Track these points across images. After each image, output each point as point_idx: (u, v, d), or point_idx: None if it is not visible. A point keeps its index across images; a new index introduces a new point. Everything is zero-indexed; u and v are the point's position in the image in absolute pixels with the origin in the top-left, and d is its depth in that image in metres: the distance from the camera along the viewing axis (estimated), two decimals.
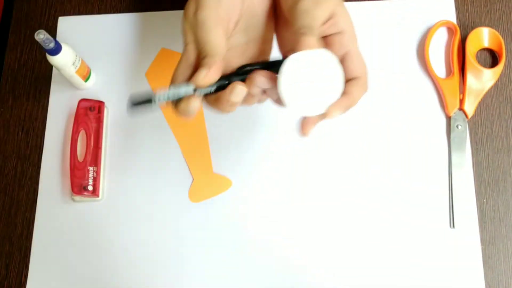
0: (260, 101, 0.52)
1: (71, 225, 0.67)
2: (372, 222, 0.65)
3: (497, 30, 0.69)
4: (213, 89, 0.49)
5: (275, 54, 0.54)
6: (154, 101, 0.48)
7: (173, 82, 0.50)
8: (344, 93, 0.48)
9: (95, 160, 0.67)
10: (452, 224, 0.64)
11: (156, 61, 0.71)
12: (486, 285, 0.62)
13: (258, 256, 0.65)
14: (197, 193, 0.66)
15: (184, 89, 0.49)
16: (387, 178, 0.66)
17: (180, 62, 0.50)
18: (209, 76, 0.48)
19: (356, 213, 0.65)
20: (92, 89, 0.72)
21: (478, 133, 0.67)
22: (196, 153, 0.68)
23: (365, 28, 0.66)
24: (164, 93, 0.48)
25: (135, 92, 0.49)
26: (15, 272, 0.66)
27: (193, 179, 0.67)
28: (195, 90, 0.49)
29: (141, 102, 0.48)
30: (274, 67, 0.49)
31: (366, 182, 0.66)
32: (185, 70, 0.50)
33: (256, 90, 0.49)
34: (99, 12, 0.75)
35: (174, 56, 0.70)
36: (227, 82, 0.49)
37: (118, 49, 0.73)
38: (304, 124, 0.50)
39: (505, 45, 0.68)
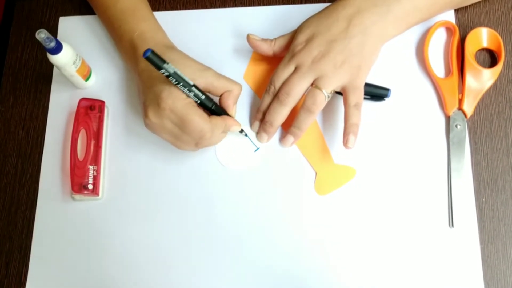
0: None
1: (71, 223, 0.67)
2: (371, 221, 0.65)
3: (496, 30, 0.69)
4: (203, 97, 0.62)
5: None
6: (162, 68, 0.58)
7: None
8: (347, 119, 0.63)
9: (96, 159, 0.67)
10: (451, 223, 0.64)
11: (250, 64, 0.72)
12: (485, 284, 0.62)
13: (268, 259, 0.65)
14: (322, 186, 0.66)
15: (186, 80, 0.60)
16: (386, 177, 0.66)
17: None
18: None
19: (355, 213, 0.65)
20: (92, 88, 0.72)
21: (477, 132, 0.67)
22: (314, 147, 0.67)
23: None
24: (173, 69, 0.59)
25: (156, 51, 0.58)
26: (15, 270, 0.67)
27: (316, 173, 0.67)
28: (192, 85, 0.61)
29: (154, 60, 0.58)
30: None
31: (365, 181, 0.66)
32: None
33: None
34: None
35: (266, 58, 0.71)
36: (210, 106, 0.63)
37: None
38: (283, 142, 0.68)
39: (504, 45, 0.69)
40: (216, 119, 0.63)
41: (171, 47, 0.67)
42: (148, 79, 0.63)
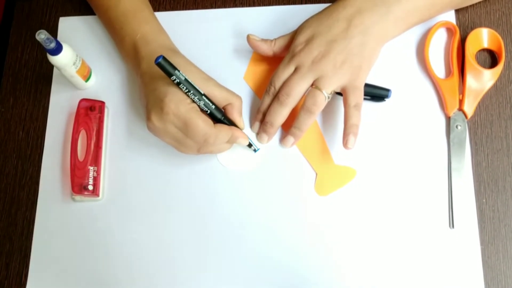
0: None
1: (71, 224, 0.67)
2: (371, 222, 0.65)
3: (496, 30, 0.69)
4: (213, 107, 0.62)
5: None
6: (172, 75, 0.58)
7: None
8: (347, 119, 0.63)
9: (96, 159, 0.67)
10: (452, 224, 0.64)
11: (251, 64, 0.72)
12: (485, 285, 0.62)
13: (264, 255, 0.65)
14: (323, 187, 0.66)
15: (197, 89, 0.61)
16: (386, 178, 0.66)
17: None
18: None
19: (356, 214, 0.65)
20: (92, 89, 0.72)
21: (477, 133, 0.67)
22: (314, 147, 0.67)
23: None
24: (183, 77, 0.59)
25: (168, 58, 0.59)
26: (15, 271, 0.67)
27: (316, 174, 0.67)
28: (202, 95, 0.61)
29: (165, 67, 0.58)
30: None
31: (365, 182, 0.66)
32: None
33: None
34: None
35: (267, 58, 0.71)
36: (220, 117, 0.63)
37: None
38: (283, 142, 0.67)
39: (504, 45, 0.68)
40: (222, 126, 0.62)
41: (175, 51, 0.67)
42: (150, 81, 0.63)
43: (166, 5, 0.75)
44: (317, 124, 0.68)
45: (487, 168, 0.66)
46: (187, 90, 0.60)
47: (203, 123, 0.60)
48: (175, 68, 0.58)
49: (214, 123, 0.62)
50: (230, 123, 0.65)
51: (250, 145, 0.67)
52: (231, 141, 0.64)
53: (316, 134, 0.68)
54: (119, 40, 0.69)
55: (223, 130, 0.62)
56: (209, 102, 0.62)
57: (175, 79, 0.59)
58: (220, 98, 0.64)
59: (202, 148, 0.62)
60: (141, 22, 0.68)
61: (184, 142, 0.62)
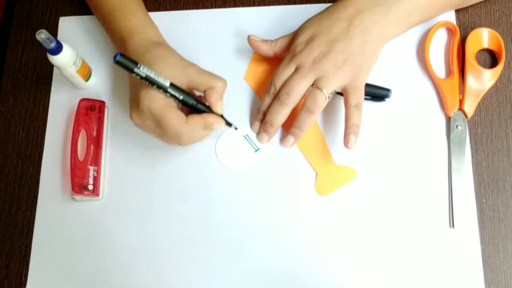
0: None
1: (71, 224, 0.67)
2: (372, 222, 0.65)
3: (496, 30, 0.69)
4: (180, 98, 0.61)
5: None
6: (133, 71, 0.58)
7: None
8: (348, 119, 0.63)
9: (96, 159, 0.67)
10: (452, 224, 0.64)
11: (251, 64, 0.72)
12: (485, 285, 0.62)
13: (256, 258, 0.65)
14: (323, 187, 0.66)
15: (162, 80, 0.59)
16: (386, 178, 0.66)
17: None
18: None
19: (356, 214, 0.65)
20: (92, 88, 0.72)
21: (477, 133, 0.67)
22: (315, 147, 0.67)
23: None
24: (144, 73, 0.58)
25: (125, 54, 0.58)
26: (15, 270, 0.67)
27: (316, 174, 0.67)
28: (168, 87, 0.60)
29: (125, 64, 0.58)
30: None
31: (366, 182, 0.66)
32: None
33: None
34: None
35: (267, 58, 0.71)
36: (192, 103, 0.62)
37: None
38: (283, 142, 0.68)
39: (504, 45, 0.69)
40: (194, 119, 0.61)
41: (158, 44, 0.66)
42: (132, 77, 0.62)
43: (166, 5, 0.75)
44: (317, 124, 0.68)
45: (487, 168, 0.66)
46: (151, 85, 0.59)
47: (175, 121, 0.60)
48: (135, 65, 0.58)
49: (190, 111, 0.62)
50: (207, 107, 0.63)
51: (230, 124, 0.66)
52: (208, 128, 0.63)
53: (317, 134, 0.68)
54: (110, 36, 0.69)
55: (195, 122, 0.61)
56: (176, 93, 0.61)
57: (136, 76, 0.59)
58: (200, 84, 0.62)
59: (180, 142, 0.61)
60: (129, 16, 0.67)
61: (164, 136, 0.62)
